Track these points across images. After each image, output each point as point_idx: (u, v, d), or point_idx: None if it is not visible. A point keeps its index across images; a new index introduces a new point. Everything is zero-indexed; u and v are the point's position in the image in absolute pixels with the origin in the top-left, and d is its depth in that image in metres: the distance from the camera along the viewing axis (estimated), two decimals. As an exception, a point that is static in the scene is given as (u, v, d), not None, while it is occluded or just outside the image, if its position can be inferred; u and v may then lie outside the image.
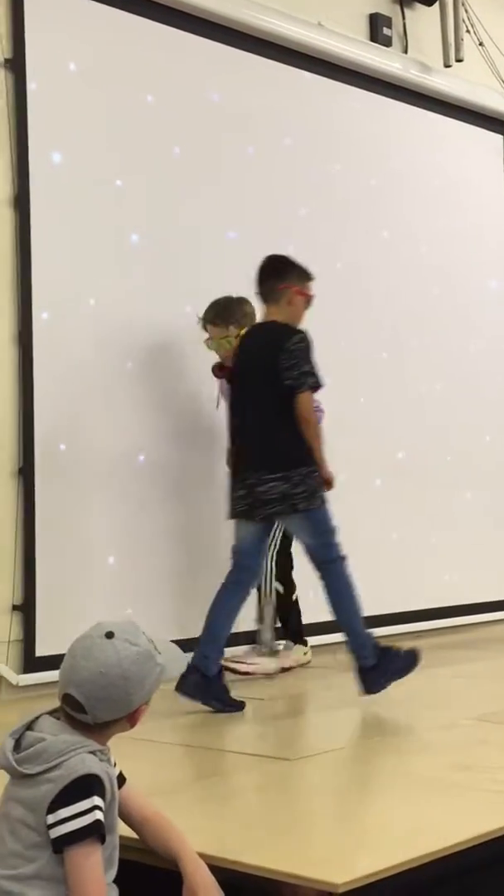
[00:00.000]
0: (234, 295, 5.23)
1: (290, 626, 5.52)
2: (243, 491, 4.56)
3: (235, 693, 4.43)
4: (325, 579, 4.52)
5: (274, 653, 5.41)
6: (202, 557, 5.51)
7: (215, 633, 4.46)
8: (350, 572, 4.51)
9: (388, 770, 3.46)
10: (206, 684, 4.34)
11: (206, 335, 5.29)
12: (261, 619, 5.45)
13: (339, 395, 5.76)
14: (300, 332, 4.58)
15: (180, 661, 2.51)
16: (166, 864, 2.48)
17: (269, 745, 3.87)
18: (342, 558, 4.51)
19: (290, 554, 5.42)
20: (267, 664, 5.27)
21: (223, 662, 4.60)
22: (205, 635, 4.46)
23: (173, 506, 5.56)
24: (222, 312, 5.24)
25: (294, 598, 5.49)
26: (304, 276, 4.74)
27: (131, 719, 2.36)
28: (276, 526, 4.93)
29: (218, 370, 5.23)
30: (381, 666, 4.45)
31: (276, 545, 5.34)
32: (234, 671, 4.98)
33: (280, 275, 4.70)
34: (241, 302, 5.22)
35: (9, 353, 5.04)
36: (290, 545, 5.37)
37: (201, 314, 5.30)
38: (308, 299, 4.73)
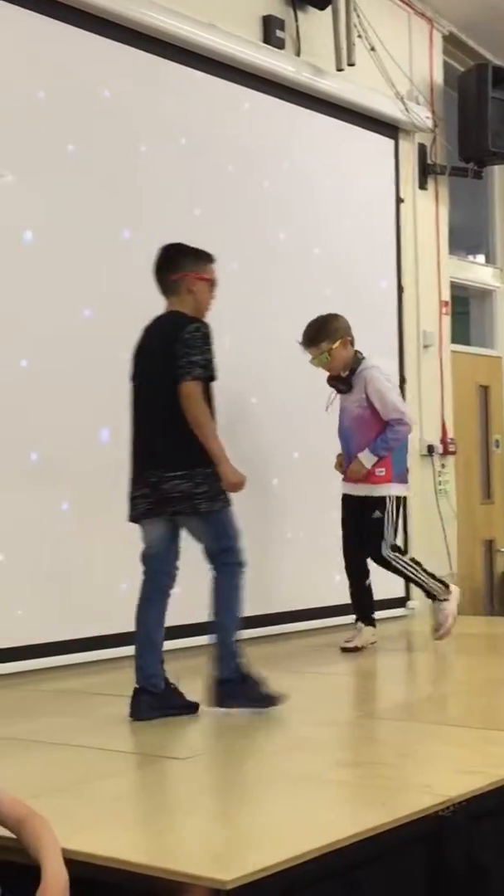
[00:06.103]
0: (326, 313, 5.85)
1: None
2: (146, 489, 4.35)
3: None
4: (215, 579, 4.36)
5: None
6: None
7: (154, 649, 4.34)
8: (243, 582, 4.36)
9: (274, 768, 3.47)
10: (158, 699, 4.26)
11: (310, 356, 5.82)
12: None
13: (234, 395, 5.76)
14: (197, 320, 4.36)
15: None
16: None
17: (158, 744, 3.86)
18: (239, 564, 4.36)
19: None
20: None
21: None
22: (145, 654, 4.33)
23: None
24: (311, 336, 5.80)
25: (367, 583, 5.98)
26: (200, 260, 4.53)
27: None
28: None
29: (330, 380, 5.93)
30: (238, 686, 4.28)
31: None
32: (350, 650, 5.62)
33: (171, 265, 4.49)
34: (329, 320, 5.80)
35: None
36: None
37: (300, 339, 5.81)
38: (210, 283, 4.52)
